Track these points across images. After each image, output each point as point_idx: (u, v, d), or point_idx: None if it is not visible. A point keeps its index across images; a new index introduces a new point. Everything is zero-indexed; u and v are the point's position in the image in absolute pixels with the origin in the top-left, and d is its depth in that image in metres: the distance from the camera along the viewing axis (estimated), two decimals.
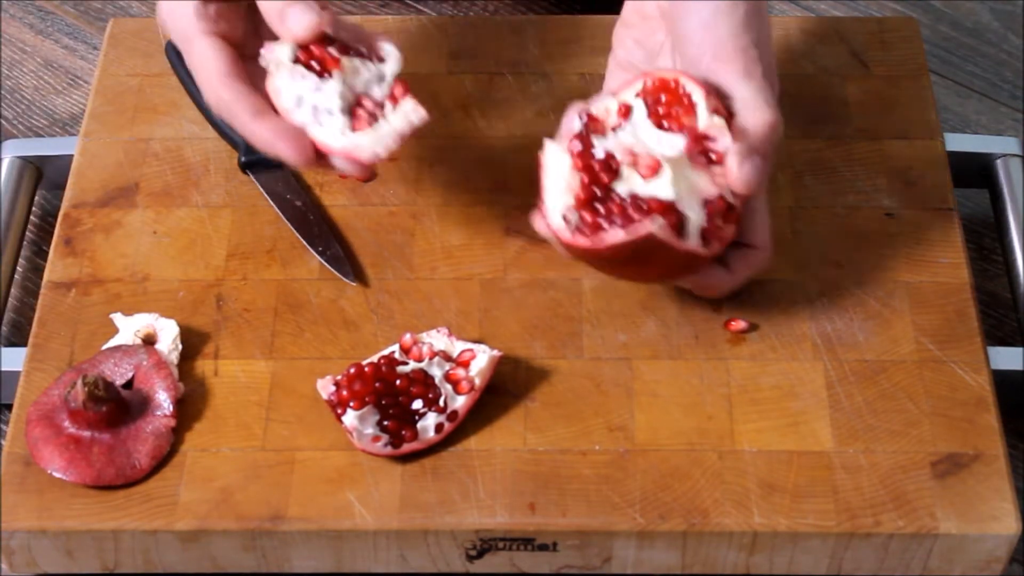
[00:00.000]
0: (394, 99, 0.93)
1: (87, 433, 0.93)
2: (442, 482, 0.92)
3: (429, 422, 0.92)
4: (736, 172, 0.90)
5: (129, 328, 0.98)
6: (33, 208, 1.12)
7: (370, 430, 0.91)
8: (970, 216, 1.14)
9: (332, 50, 0.92)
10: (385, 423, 0.91)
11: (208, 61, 0.93)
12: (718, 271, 0.95)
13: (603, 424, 0.94)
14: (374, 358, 0.94)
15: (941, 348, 0.97)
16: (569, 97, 1.00)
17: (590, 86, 1.10)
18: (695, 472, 0.92)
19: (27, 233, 1.13)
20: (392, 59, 0.94)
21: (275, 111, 0.92)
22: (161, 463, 0.93)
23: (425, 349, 0.94)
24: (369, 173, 0.93)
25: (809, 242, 1.03)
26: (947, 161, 1.07)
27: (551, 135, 0.96)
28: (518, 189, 1.04)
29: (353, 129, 0.92)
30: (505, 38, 1.15)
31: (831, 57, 1.13)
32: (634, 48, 1.00)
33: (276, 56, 0.92)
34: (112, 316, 0.98)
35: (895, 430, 0.94)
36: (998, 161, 1.10)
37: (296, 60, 0.92)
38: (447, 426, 0.93)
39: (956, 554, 0.91)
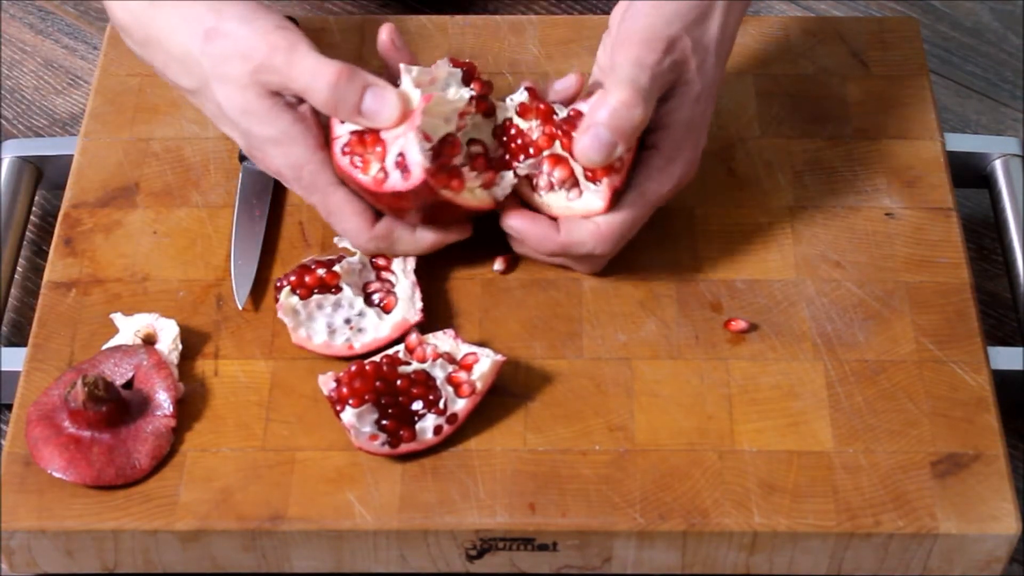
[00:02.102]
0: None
1: (87, 433, 0.93)
2: (442, 482, 0.92)
3: (428, 424, 0.92)
4: (576, 141, 0.94)
5: (129, 328, 0.98)
6: (33, 208, 1.12)
7: (368, 428, 0.91)
8: (970, 216, 1.14)
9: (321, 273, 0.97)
10: (384, 422, 0.91)
11: (353, 217, 0.96)
12: (546, 223, 0.97)
13: (603, 424, 0.94)
14: (377, 357, 0.94)
15: (941, 348, 0.97)
16: None
17: None
18: (695, 472, 0.92)
19: (27, 233, 1.13)
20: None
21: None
22: (161, 463, 0.93)
23: (429, 350, 0.94)
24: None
25: (809, 242, 1.03)
26: (947, 161, 1.07)
27: None
28: None
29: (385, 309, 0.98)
30: (505, 38, 1.15)
31: (831, 57, 1.13)
32: (603, 54, 1.00)
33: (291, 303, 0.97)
34: (112, 316, 0.98)
35: (895, 430, 0.94)
36: (998, 161, 1.10)
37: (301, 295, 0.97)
38: (446, 428, 0.93)
39: (956, 554, 0.91)
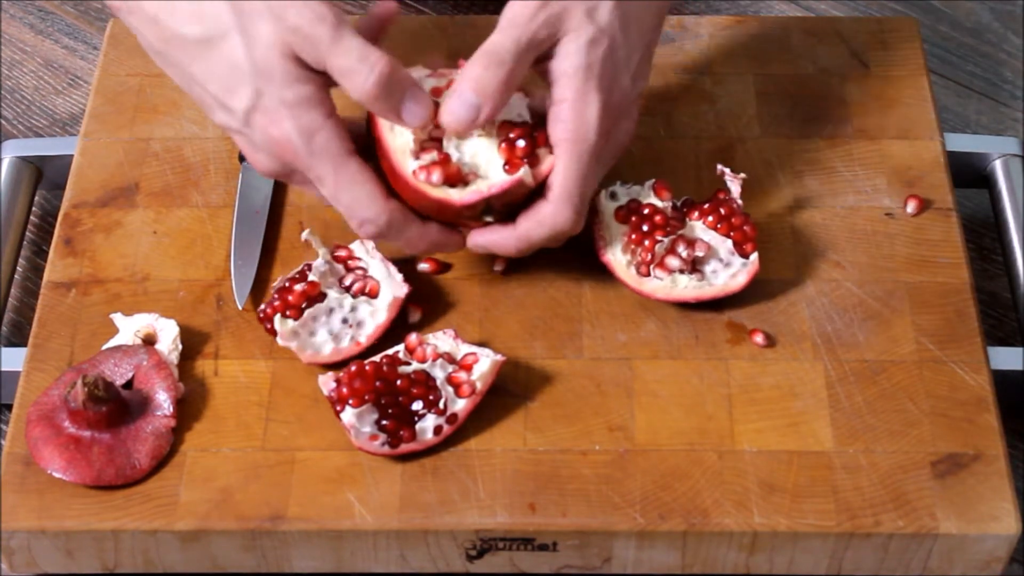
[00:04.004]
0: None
1: (87, 433, 0.93)
2: (442, 482, 0.92)
3: (428, 424, 0.92)
4: (443, 108, 0.93)
5: (129, 328, 0.98)
6: (33, 208, 1.12)
7: (368, 428, 0.91)
8: (970, 216, 1.14)
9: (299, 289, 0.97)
10: (383, 422, 0.91)
11: (367, 184, 0.93)
12: (501, 227, 0.95)
13: (603, 424, 0.94)
14: (377, 357, 0.94)
15: (941, 348, 0.97)
16: None
17: None
18: (695, 472, 0.92)
19: (27, 233, 1.13)
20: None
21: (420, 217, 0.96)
22: (161, 463, 0.93)
23: (429, 350, 0.94)
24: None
25: (809, 242, 1.03)
26: (947, 161, 1.07)
27: None
28: None
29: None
30: None
31: (831, 57, 1.13)
32: None
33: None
34: (112, 316, 0.98)
35: (895, 430, 0.94)
36: (998, 161, 1.10)
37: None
38: (446, 428, 0.93)
39: (956, 554, 0.91)
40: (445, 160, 0.94)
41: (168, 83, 1.11)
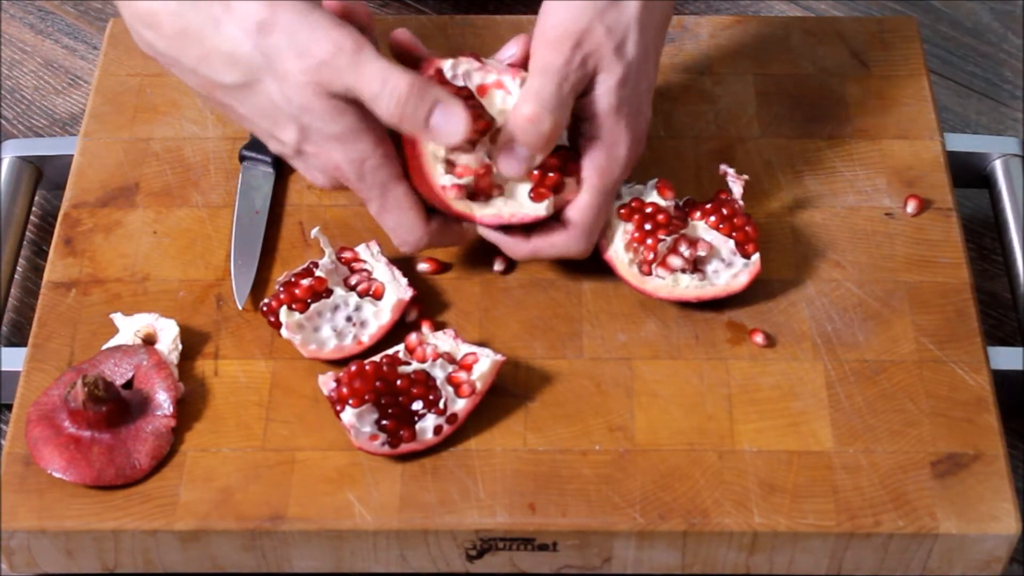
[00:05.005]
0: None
1: (87, 433, 0.93)
2: (442, 482, 0.92)
3: (428, 423, 0.92)
4: (498, 161, 0.95)
5: (129, 328, 0.98)
6: (33, 208, 1.12)
7: (368, 428, 0.91)
8: (970, 216, 1.14)
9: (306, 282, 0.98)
10: (383, 422, 0.91)
11: (410, 211, 0.95)
12: (516, 234, 0.97)
13: (603, 424, 0.94)
14: (377, 357, 0.94)
15: (941, 348, 0.97)
16: None
17: None
18: (695, 472, 0.92)
19: (27, 233, 1.13)
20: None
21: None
22: (161, 463, 0.93)
23: (429, 350, 0.94)
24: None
25: (809, 242, 1.03)
26: (947, 161, 1.07)
27: None
28: None
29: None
30: (505, 38, 1.14)
31: (831, 57, 1.13)
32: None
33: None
34: (112, 316, 0.98)
35: (895, 430, 0.94)
36: (998, 161, 1.10)
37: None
38: (446, 428, 0.93)
39: (956, 554, 0.91)
40: (485, 173, 0.95)
41: (168, 83, 1.11)
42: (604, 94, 0.95)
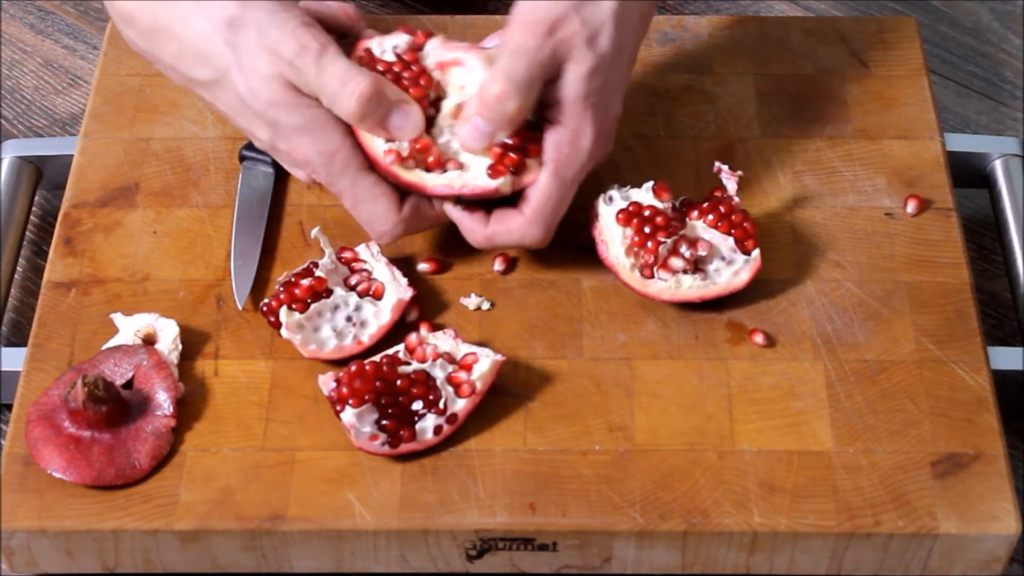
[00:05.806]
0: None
1: (87, 433, 0.93)
2: (442, 482, 0.92)
3: (428, 423, 0.92)
4: (459, 132, 0.96)
5: (129, 328, 0.98)
6: (33, 208, 1.12)
7: (368, 428, 0.91)
8: (970, 216, 1.14)
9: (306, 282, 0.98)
10: (383, 422, 0.91)
11: (382, 199, 0.96)
12: (477, 216, 0.97)
13: (603, 424, 0.94)
14: (377, 357, 0.94)
15: (941, 348, 0.97)
16: None
17: None
18: (695, 472, 0.92)
19: (27, 233, 1.13)
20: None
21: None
22: (161, 463, 0.93)
23: (429, 350, 0.94)
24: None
25: (809, 242, 1.03)
26: (947, 161, 1.07)
27: None
28: None
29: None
30: None
31: (831, 57, 1.13)
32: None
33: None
34: (112, 316, 0.98)
35: (895, 430, 0.94)
36: (998, 161, 1.10)
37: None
38: (446, 428, 0.93)
39: (956, 554, 0.91)
40: (425, 148, 0.96)
41: (168, 83, 1.11)
42: (572, 82, 0.95)
